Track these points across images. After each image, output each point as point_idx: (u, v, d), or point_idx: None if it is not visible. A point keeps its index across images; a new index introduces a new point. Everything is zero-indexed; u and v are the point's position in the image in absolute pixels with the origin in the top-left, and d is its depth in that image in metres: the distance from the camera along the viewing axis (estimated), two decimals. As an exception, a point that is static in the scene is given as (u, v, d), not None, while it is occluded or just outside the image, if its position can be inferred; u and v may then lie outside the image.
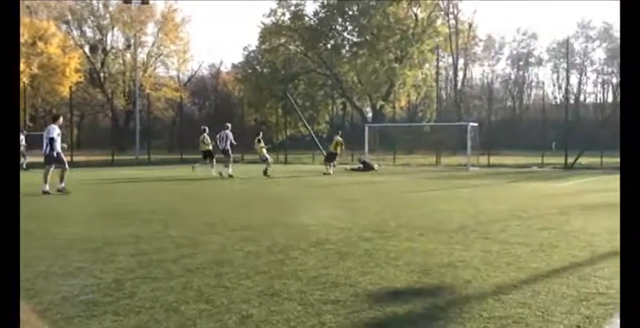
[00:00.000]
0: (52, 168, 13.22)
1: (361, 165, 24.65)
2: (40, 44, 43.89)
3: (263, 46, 54.14)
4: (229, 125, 20.38)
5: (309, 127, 37.12)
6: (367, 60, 49.87)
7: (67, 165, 13.46)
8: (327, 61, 47.54)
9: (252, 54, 58.15)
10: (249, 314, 3.91)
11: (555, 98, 74.09)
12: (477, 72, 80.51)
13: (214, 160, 20.54)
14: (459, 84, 62.14)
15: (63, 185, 13.09)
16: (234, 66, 67.53)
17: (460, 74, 63.93)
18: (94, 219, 8.91)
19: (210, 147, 20.72)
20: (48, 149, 13.16)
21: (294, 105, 39.36)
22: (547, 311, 3.99)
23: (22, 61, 41.88)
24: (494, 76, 78.66)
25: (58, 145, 13.16)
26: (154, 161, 30.59)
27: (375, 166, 24.59)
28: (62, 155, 13.36)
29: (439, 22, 53.86)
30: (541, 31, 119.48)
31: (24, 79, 39.76)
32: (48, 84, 45.55)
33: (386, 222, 8.34)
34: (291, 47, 53.40)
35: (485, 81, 75.88)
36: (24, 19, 45.94)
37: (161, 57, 63.33)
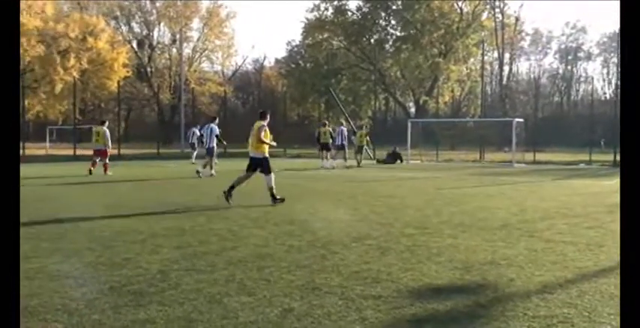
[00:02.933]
0: (214, 158, 17.28)
1: (389, 158, 26.12)
2: (90, 39, 44.87)
3: (306, 41, 54.29)
4: (344, 122, 25.37)
5: (351, 122, 37.02)
6: (411, 54, 49.45)
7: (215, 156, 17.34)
8: (370, 55, 47.36)
9: (295, 49, 58.43)
10: (290, 308, 3.94)
11: (605, 93, 71.80)
12: (523, 67, 79.02)
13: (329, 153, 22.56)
14: (505, 79, 60.86)
15: (213, 172, 16.72)
16: (277, 61, 68.05)
17: (506, 69, 62.54)
18: (139, 211, 9.11)
19: (330, 141, 22.59)
20: (211, 142, 16.92)
21: (336, 100, 39.34)
22: (594, 311, 3.90)
23: (72, 56, 42.97)
24: (542, 70, 76.84)
25: (214, 140, 16.92)
26: (198, 154, 31.04)
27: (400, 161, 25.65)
28: (215, 148, 17.21)
29: (484, 16, 52.90)
30: (591, 25, 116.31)
31: (74, 74, 40.82)
32: (97, 79, 46.65)
33: (428, 219, 8.28)
34: (334, 42, 53.34)
35: (532, 76, 74.15)
36: (74, 15, 47.18)
37: (206, 52, 64.19)
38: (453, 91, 56.09)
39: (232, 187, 10.00)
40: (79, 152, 29.86)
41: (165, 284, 4.53)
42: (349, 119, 37.32)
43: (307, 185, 14.47)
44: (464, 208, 9.58)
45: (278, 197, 10.01)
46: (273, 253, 5.76)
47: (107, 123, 19.01)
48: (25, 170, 18.69)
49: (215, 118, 17.86)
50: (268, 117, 10.51)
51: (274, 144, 10.67)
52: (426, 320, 3.73)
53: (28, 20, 40.65)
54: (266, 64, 72.87)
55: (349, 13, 52.22)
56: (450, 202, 10.48)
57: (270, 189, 10.03)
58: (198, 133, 25.45)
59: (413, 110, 54.68)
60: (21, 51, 40.64)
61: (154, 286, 4.49)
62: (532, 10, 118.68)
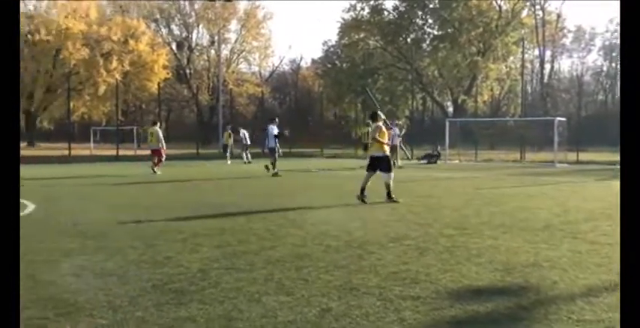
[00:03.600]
0: (277, 157, 17.42)
1: (425, 159, 26.78)
2: (131, 42, 45.87)
3: (342, 41, 54.11)
4: (398, 123, 26.24)
5: (388, 122, 36.88)
6: (449, 53, 48.81)
7: (277, 156, 17.55)
8: (407, 55, 46.95)
9: (331, 49, 58.33)
10: (328, 308, 3.95)
11: (651, 91, 69.60)
12: (565, 64, 77.30)
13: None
14: (546, 77, 59.61)
15: (276, 170, 17.09)
16: (314, 61, 68.13)
17: (547, 67, 61.18)
18: (180, 210, 9.26)
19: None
20: (271, 143, 17.34)
21: (373, 100, 39.13)
22: (641, 316, 3.79)
23: (114, 58, 44.03)
24: (585, 68, 74.81)
25: (273, 140, 17.24)
26: (236, 155, 31.42)
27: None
28: (277, 149, 17.49)
29: (524, 13, 51.83)
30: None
31: (117, 76, 41.79)
32: (138, 81, 47.66)
33: (467, 219, 8.18)
34: (371, 42, 53.03)
35: (575, 73, 72.30)
36: (117, 19, 48.25)
37: (243, 53, 64.82)
38: (492, 90, 55.13)
39: (362, 189, 10.32)
40: (121, 152, 30.57)
41: (205, 283, 4.60)
42: (386, 120, 37.19)
43: (343, 185, 14.43)
44: (504, 208, 9.43)
45: (393, 196, 10.21)
46: (311, 253, 5.78)
47: (159, 123, 20.32)
48: (70, 170, 19.26)
49: (274, 119, 18.12)
50: (379, 117, 10.90)
51: (389, 143, 11.05)
52: (466, 322, 3.69)
53: (73, 24, 41.81)
54: (302, 64, 73.20)
55: (385, 13, 51.85)
56: (489, 202, 10.33)
57: (388, 186, 10.30)
58: (247, 135, 26.27)
59: (451, 109, 53.94)
60: (66, 54, 41.81)
61: (194, 284, 4.56)
62: (574, 7, 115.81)
